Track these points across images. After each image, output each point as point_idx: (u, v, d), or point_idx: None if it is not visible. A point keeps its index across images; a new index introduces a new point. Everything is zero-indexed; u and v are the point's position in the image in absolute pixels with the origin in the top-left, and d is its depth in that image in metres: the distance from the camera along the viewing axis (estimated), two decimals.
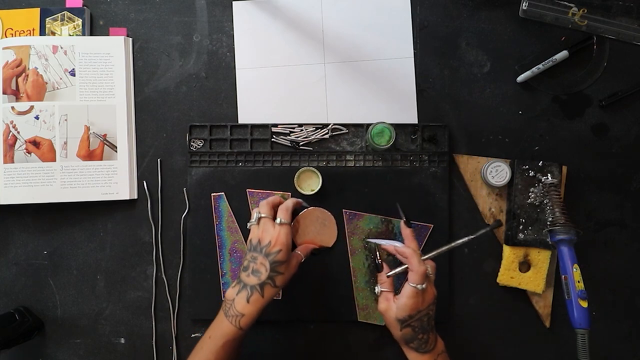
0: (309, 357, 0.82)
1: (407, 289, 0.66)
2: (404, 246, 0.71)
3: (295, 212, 0.75)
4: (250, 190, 0.81)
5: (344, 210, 0.81)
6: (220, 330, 0.67)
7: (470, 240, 0.71)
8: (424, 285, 0.66)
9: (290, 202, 0.72)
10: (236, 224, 0.81)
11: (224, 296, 0.68)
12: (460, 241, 0.72)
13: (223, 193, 0.81)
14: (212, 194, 0.81)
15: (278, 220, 0.69)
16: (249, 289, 0.66)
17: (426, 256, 0.70)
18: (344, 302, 0.80)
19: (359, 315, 0.81)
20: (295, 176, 0.79)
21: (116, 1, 0.85)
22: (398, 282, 0.72)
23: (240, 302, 0.66)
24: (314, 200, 0.81)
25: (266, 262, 0.66)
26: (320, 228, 0.80)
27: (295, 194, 0.80)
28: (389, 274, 0.72)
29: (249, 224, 0.71)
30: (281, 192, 0.81)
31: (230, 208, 0.81)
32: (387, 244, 0.75)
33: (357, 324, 0.81)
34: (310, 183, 0.80)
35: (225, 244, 0.81)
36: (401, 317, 0.67)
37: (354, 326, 0.81)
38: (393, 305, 0.68)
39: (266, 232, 0.68)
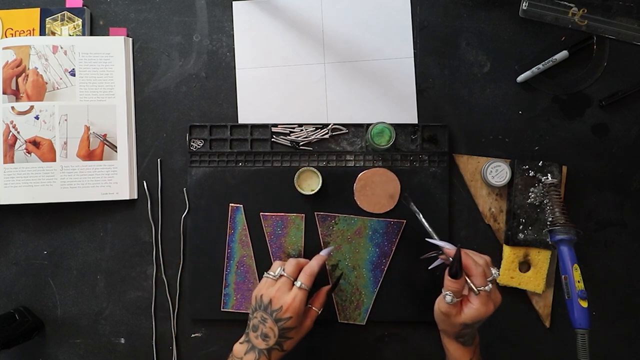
0: (308, 357, 0.82)
1: (482, 295, 0.64)
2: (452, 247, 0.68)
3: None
4: (264, 214, 0.81)
5: (315, 212, 0.81)
6: None
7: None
8: (489, 286, 0.64)
9: (315, 264, 0.70)
10: (249, 238, 0.81)
11: (231, 351, 0.68)
12: (432, 235, 0.72)
13: (242, 206, 0.81)
14: (230, 204, 0.81)
15: (298, 284, 0.67)
16: (257, 352, 0.65)
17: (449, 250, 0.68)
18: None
19: (339, 316, 0.81)
20: (295, 176, 0.79)
21: (116, 1, 0.85)
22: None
23: None
24: (314, 200, 0.81)
25: (275, 328, 0.65)
26: (384, 186, 0.79)
27: (295, 193, 0.80)
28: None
29: (265, 274, 0.69)
30: (295, 214, 0.81)
31: (246, 220, 0.81)
32: (442, 244, 0.70)
33: (358, 324, 0.81)
34: (310, 183, 0.80)
35: (234, 256, 0.81)
36: (469, 322, 0.64)
37: (354, 326, 0.81)
38: (461, 310, 0.65)
39: (281, 295, 0.66)
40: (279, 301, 0.65)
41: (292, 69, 0.85)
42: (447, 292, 0.64)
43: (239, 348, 0.67)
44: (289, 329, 0.65)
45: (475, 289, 0.64)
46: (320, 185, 0.79)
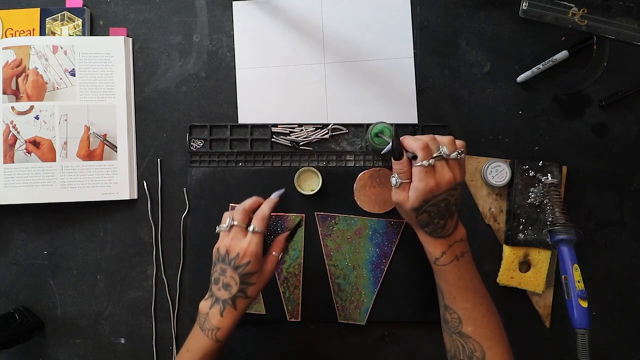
0: (308, 357, 0.82)
1: (414, 170, 0.63)
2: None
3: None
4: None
5: (315, 212, 0.81)
6: (197, 343, 0.66)
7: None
8: (430, 161, 0.61)
9: (267, 208, 0.69)
10: None
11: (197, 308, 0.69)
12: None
13: None
14: (230, 204, 0.81)
15: (251, 228, 0.66)
16: (221, 303, 0.65)
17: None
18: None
19: (338, 316, 0.81)
20: (295, 176, 0.79)
21: (116, 1, 0.85)
22: None
23: (214, 316, 0.65)
24: (314, 200, 0.81)
25: (235, 276, 0.65)
26: (383, 186, 0.80)
27: (295, 193, 0.80)
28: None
29: (218, 228, 0.69)
30: (295, 214, 0.80)
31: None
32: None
33: (358, 324, 0.81)
34: (310, 183, 0.80)
35: None
36: (416, 205, 0.63)
37: (354, 326, 0.81)
38: (407, 195, 0.64)
39: (236, 242, 0.66)
40: (235, 249, 0.65)
41: (292, 69, 0.85)
42: (392, 175, 0.65)
43: (203, 304, 0.67)
44: (249, 274, 0.65)
45: (413, 163, 0.63)
46: (320, 185, 0.79)
